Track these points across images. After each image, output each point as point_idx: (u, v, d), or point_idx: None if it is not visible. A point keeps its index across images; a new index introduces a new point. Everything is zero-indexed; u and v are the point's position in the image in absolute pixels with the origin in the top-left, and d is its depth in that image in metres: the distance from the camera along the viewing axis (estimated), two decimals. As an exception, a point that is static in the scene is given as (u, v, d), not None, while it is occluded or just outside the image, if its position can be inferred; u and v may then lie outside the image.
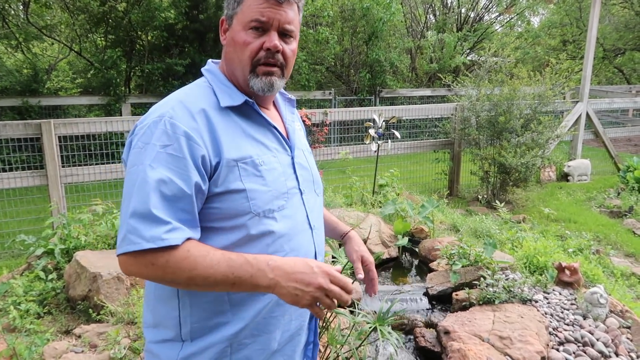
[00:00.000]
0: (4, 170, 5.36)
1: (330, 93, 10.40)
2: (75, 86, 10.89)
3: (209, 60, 1.31)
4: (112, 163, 5.51)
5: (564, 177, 7.94)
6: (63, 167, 5.05)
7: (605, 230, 5.59)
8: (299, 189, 1.26)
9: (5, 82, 8.48)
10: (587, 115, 8.10)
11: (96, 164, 5.40)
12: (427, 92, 11.45)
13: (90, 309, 3.14)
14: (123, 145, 7.95)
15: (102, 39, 9.70)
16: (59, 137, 5.01)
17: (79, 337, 2.86)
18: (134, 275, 1.10)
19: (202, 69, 1.28)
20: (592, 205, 6.78)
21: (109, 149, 5.84)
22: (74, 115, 9.36)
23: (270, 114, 1.29)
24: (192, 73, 9.04)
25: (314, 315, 1.19)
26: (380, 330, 1.98)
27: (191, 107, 1.13)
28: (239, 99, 1.19)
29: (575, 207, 6.50)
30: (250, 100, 1.20)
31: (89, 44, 9.93)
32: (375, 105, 11.03)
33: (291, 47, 1.21)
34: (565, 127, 7.37)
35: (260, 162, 1.16)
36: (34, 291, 3.32)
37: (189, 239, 1.06)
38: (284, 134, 1.29)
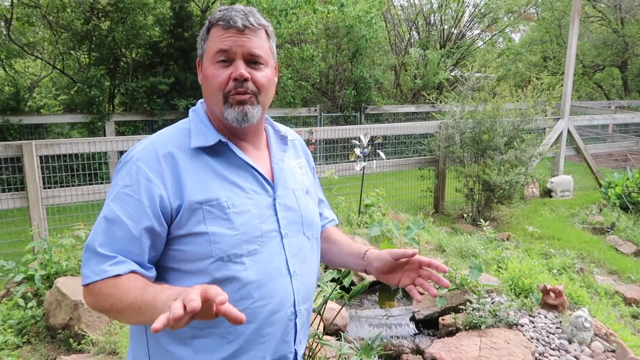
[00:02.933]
0: (-17, 193, 5.24)
1: (315, 110, 10.44)
2: (58, 103, 10.78)
3: (200, 101, 1.29)
4: (96, 184, 5.44)
5: (547, 193, 8.04)
6: (44, 188, 4.97)
7: (588, 248, 5.65)
8: (279, 232, 1.20)
9: (-15, 100, 8.37)
10: (569, 131, 8.25)
11: (79, 185, 5.33)
12: (411, 108, 11.56)
13: (71, 338, 3.06)
14: (106, 165, 7.80)
15: (86, 56, 9.65)
16: (41, 158, 4.93)
17: (59, 368, 2.79)
18: (90, 306, 1.13)
19: (190, 109, 1.28)
20: (575, 221, 6.86)
21: (91, 169, 5.78)
22: (56, 134, 9.25)
23: (255, 153, 1.25)
24: (177, 90, 9.03)
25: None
26: (366, 362, 1.96)
27: (159, 150, 1.15)
28: (212, 139, 1.17)
29: (558, 224, 6.57)
30: (224, 140, 1.17)
31: (72, 62, 9.86)
32: (360, 122, 11.10)
33: (262, 74, 1.18)
34: (548, 144, 7.49)
35: (229, 205, 1.13)
36: (12, 320, 3.24)
37: (133, 271, 1.09)
38: (269, 173, 1.24)
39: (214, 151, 1.18)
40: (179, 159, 1.14)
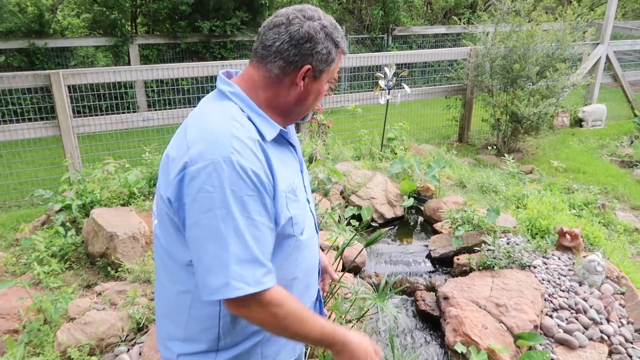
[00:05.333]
0: (18, 121, 5.42)
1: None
2: (81, 22, 10.66)
3: (223, 77, 1.27)
4: (123, 113, 5.55)
5: (578, 122, 7.83)
6: (75, 117, 5.10)
7: (614, 182, 5.60)
8: (308, 200, 1.38)
9: (10, 23, 8.33)
10: (607, 58, 7.83)
11: (107, 114, 5.45)
12: (442, 29, 11.04)
13: (108, 266, 3.31)
14: (132, 92, 7.84)
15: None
16: (68, 87, 5.01)
17: (100, 294, 3.05)
18: (244, 316, 1.18)
19: (225, 91, 1.24)
20: (603, 153, 6.73)
21: (119, 99, 5.86)
22: (81, 56, 9.25)
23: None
24: (199, 12, 8.79)
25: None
26: (379, 306, 2.10)
27: (250, 145, 1.14)
28: (275, 130, 1.24)
29: (585, 156, 6.47)
30: (283, 130, 1.27)
31: (91, -21, 9.60)
32: (387, 44, 10.71)
33: None
34: (582, 73, 7.15)
35: (296, 187, 1.27)
36: (54, 247, 3.49)
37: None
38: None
39: (275, 139, 1.26)
40: (265, 150, 1.18)
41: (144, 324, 2.72)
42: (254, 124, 1.19)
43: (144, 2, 9.17)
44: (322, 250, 2.55)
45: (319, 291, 1.55)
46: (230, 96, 1.23)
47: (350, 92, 6.90)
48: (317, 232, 1.45)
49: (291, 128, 1.39)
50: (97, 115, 5.40)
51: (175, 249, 1.21)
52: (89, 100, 5.86)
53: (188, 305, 1.25)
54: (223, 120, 1.16)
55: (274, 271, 1.17)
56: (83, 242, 3.58)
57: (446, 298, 2.72)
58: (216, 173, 1.08)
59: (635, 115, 7.78)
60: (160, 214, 1.23)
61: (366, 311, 2.32)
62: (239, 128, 1.15)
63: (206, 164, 1.09)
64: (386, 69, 4.65)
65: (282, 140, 1.29)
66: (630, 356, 2.50)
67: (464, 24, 7.81)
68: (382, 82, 4.75)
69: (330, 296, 2.50)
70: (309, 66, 1.21)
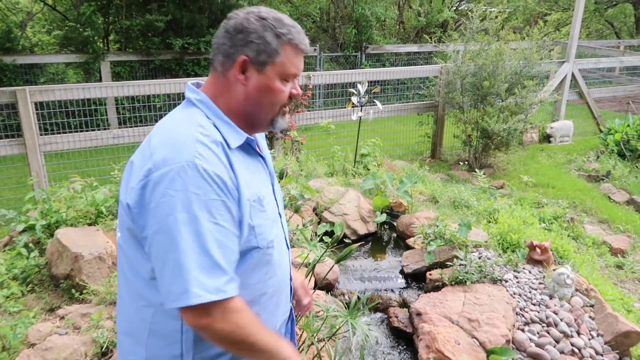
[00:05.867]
0: (-19, 139, 5.25)
1: (315, 49, 10.18)
2: (52, 39, 10.50)
3: (192, 86, 1.27)
4: (92, 130, 5.44)
5: (546, 138, 8.01)
6: (42, 135, 4.98)
7: (581, 196, 5.72)
8: (279, 213, 1.36)
9: (-23, 39, 8.16)
10: (573, 75, 8.08)
11: (75, 132, 5.33)
12: (414, 47, 11.26)
13: (73, 288, 3.19)
14: (103, 110, 7.71)
15: (77, -9, 9.27)
16: (36, 104, 4.89)
17: (63, 318, 2.93)
18: (204, 328, 1.11)
19: (192, 99, 1.23)
20: (571, 168, 6.89)
21: (87, 115, 5.74)
22: (51, 73, 9.09)
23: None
24: (173, 29, 8.76)
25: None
26: (351, 323, 2.07)
27: (214, 149, 1.13)
28: (241, 137, 1.22)
29: (554, 171, 6.61)
30: (250, 138, 1.25)
31: (63, -3, 9.51)
32: (361, 62, 10.85)
33: None
34: (549, 90, 7.36)
35: (263, 197, 1.24)
36: (16, 269, 3.35)
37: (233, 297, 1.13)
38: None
39: (241, 147, 1.24)
40: (229, 156, 1.17)
41: (108, 348, 2.62)
42: (219, 130, 1.19)
43: (116, 19, 9.10)
44: (295, 267, 2.51)
45: (291, 310, 1.50)
46: (196, 103, 1.22)
47: (324, 109, 6.93)
48: (289, 248, 1.41)
49: (262, 140, 1.40)
50: (65, 132, 5.28)
51: (136, 261, 1.18)
52: (57, 117, 5.74)
53: (149, 321, 1.20)
54: (187, 126, 1.15)
55: (237, 280, 1.13)
56: (47, 264, 3.46)
57: (419, 314, 2.71)
58: (180, 177, 1.06)
59: (601, 131, 8.01)
60: (121, 225, 1.20)
61: (338, 329, 2.28)
62: (203, 133, 1.14)
63: (170, 169, 1.07)
64: (359, 85, 4.69)
65: (249, 149, 1.27)
66: (601, 368, 2.52)
67: (435, 42, 8.00)
68: (354, 99, 4.78)
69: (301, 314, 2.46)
70: (244, 57, 1.19)
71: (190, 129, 1.14)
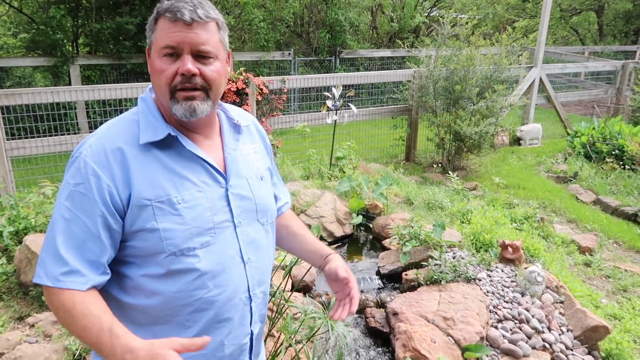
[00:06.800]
0: (-57, 144, 5.06)
1: (289, 54, 10.20)
2: (18, 42, 10.22)
3: (149, 87, 1.26)
4: (62, 135, 5.31)
5: (517, 141, 8.21)
6: (8, 140, 4.84)
7: (551, 197, 5.88)
8: (233, 222, 1.22)
9: (-61, 41, 7.87)
10: (541, 80, 8.31)
11: (44, 136, 5.20)
12: (387, 52, 11.39)
13: (42, 296, 3.11)
14: (73, 114, 7.53)
15: (44, -7, 9.06)
16: (2, 108, 4.76)
17: (33, 326, 2.85)
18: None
19: (139, 97, 1.24)
20: (540, 170, 7.08)
21: (57, 120, 5.61)
22: (17, 77, 8.84)
23: (207, 144, 1.25)
24: (144, 33, 8.63)
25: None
26: (330, 324, 2.07)
27: (107, 145, 1.13)
28: (161, 132, 1.16)
29: (524, 173, 6.77)
30: (173, 133, 1.17)
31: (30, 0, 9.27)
32: (335, 66, 10.91)
33: (212, 68, 1.16)
34: (519, 94, 7.55)
35: (179, 200, 1.14)
36: (-17, 277, 3.25)
37: (81, 291, 1.08)
38: (221, 163, 1.24)
39: (163, 144, 1.17)
40: (128, 154, 1.13)
41: (81, 355, 2.56)
42: (140, 127, 1.18)
43: (86, 22, 8.92)
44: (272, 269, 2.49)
45: (251, 337, 1.30)
46: (139, 101, 1.24)
47: (300, 113, 6.94)
48: (242, 259, 1.23)
49: (216, 145, 1.26)
50: (34, 137, 5.14)
51: None
52: (25, 122, 5.59)
53: None
54: (105, 125, 1.19)
55: (85, 276, 1.08)
56: (15, 271, 3.36)
57: (395, 314, 2.73)
58: (69, 167, 1.14)
59: (568, 134, 8.26)
60: None
61: (316, 330, 2.28)
62: (110, 131, 1.17)
63: (71, 158, 1.16)
64: (333, 89, 4.72)
65: (177, 146, 1.18)
66: (571, 363, 2.59)
67: (407, 47, 8.11)
68: (329, 102, 4.81)
69: (279, 316, 2.46)
70: (147, 47, 1.21)
71: (104, 128, 1.18)
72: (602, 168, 6.76)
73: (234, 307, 1.22)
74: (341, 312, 1.38)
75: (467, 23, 6.83)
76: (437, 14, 11.84)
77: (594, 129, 7.43)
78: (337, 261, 1.44)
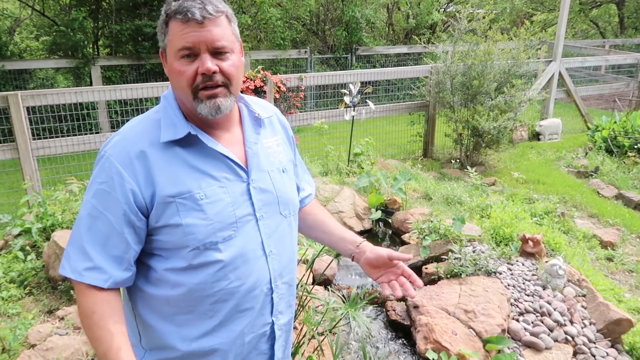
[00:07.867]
0: (-27, 144, 5.22)
1: (306, 52, 10.24)
2: (40, 45, 10.46)
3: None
4: (85, 134, 5.43)
5: (536, 136, 8.13)
6: (34, 139, 4.97)
7: (571, 192, 5.81)
8: (254, 216, 1.24)
9: (-35, 45, 8.12)
10: (560, 74, 8.21)
11: (68, 136, 5.33)
12: (403, 49, 11.36)
13: (71, 290, 3.20)
14: (95, 113, 7.70)
15: (66, -4, 9.26)
16: (27, 109, 4.88)
17: (62, 319, 2.94)
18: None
19: (162, 95, 1.26)
20: (560, 165, 7.00)
21: (80, 119, 5.75)
22: (41, 79, 9.05)
23: (227, 138, 1.26)
24: (163, 33, 8.76)
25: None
26: (351, 315, 2.11)
27: (130, 146, 1.16)
28: (182, 131, 1.17)
29: (544, 168, 6.70)
30: (193, 132, 1.18)
31: (52, 1, 9.47)
32: (351, 64, 10.93)
33: (230, 63, 1.17)
34: (537, 88, 7.47)
35: (201, 196, 1.16)
36: (13, 272, 3.35)
37: (103, 289, 1.13)
38: (242, 157, 1.26)
39: (185, 142, 1.19)
40: (150, 155, 1.15)
41: (109, 346, 2.63)
42: (162, 125, 1.20)
43: (105, 24, 9.09)
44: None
45: (272, 327, 1.32)
46: (161, 99, 1.26)
47: (317, 110, 6.98)
48: (264, 251, 1.25)
49: (236, 138, 1.28)
50: (57, 137, 5.27)
51: None
52: (49, 122, 5.73)
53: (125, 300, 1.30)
54: (128, 124, 1.23)
55: (107, 273, 1.13)
56: (44, 267, 3.46)
57: (416, 307, 2.75)
58: (95, 165, 1.19)
59: (589, 129, 8.14)
60: None
61: (337, 322, 2.31)
62: (133, 130, 1.20)
63: (98, 156, 1.20)
64: (351, 85, 4.75)
65: (199, 143, 1.20)
66: (594, 355, 2.58)
67: (424, 43, 8.09)
68: (347, 99, 4.83)
69: (301, 309, 2.50)
70: (160, 50, 1.23)
71: (127, 127, 1.21)
72: (624, 162, 6.66)
73: (255, 298, 1.25)
74: (407, 289, 1.39)
75: (484, 17, 6.77)
76: (454, 10, 11.78)
77: (615, 122, 7.32)
78: (375, 247, 1.43)
